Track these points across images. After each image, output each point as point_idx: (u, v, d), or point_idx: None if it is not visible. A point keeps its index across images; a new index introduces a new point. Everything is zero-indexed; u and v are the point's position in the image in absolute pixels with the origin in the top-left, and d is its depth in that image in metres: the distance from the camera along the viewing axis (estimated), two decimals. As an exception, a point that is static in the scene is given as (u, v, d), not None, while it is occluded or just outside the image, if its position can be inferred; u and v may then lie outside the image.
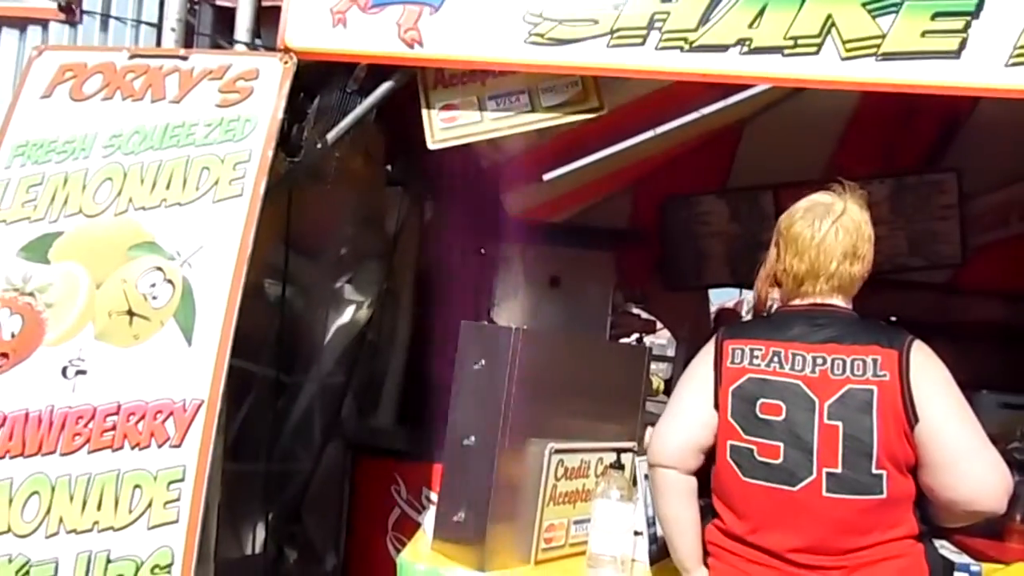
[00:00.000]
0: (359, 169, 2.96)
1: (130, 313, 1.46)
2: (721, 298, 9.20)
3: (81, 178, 1.56)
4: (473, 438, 1.85)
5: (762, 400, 1.56)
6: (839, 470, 1.50)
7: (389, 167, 3.66)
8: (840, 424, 1.51)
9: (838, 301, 1.63)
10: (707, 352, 1.66)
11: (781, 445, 1.54)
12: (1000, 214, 4.51)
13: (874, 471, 1.49)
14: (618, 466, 1.90)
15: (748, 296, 8.35)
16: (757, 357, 1.59)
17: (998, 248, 4.77)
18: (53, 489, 1.41)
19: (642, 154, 5.00)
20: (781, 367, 1.56)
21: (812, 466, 1.51)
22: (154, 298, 1.47)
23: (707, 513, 1.67)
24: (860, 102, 4.68)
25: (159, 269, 1.49)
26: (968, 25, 1.64)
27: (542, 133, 4.12)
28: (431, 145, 1.87)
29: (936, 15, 1.64)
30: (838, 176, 4.81)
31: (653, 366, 6.67)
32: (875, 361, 1.51)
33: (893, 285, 5.31)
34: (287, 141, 1.86)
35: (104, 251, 1.52)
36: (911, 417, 1.48)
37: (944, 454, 1.47)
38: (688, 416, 1.65)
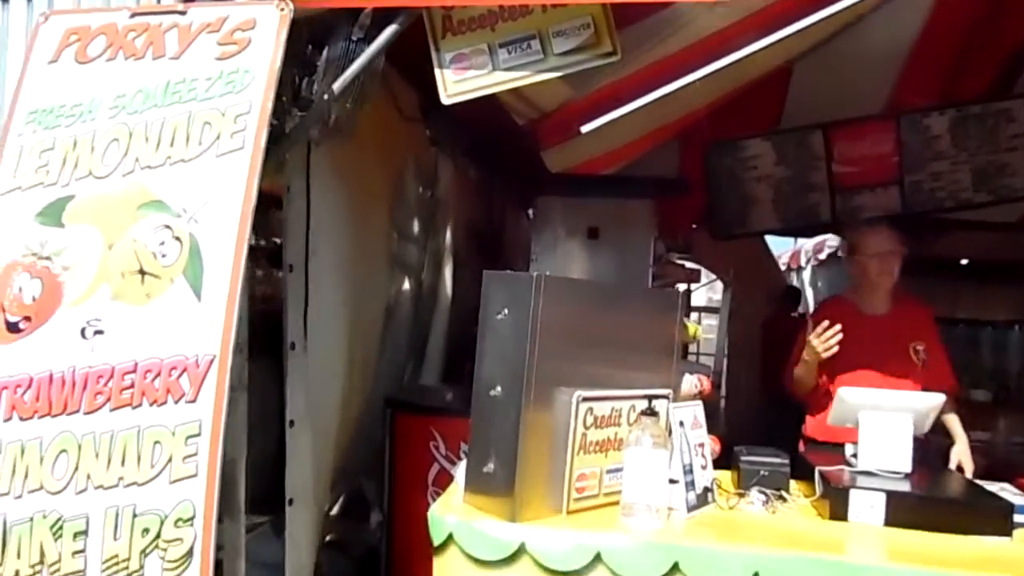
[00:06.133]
0: (405, 131, 2.94)
1: (142, 272, 1.47)
2: (779, 248, 8.96)
3: (89, 140, 1.57)
4: (499, 388, 1.82)
5: None
6: None
7: (431, 132, 3.61)
8: None
9: None
10: None
11: None
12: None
13: None
14: (650, 413, 1.84)
15: (805, 245, 8.12)
16: None
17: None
18: (80, 447, 1.44)
19: (686, 106, 4.84)
20: None
21: None
22: (163, 256, 1.47)
23: None
24: (921, 33, 4.43)
25: (167, 227, 1.49)
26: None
27: (576, 88, 4.05)
28: (445, 100, 1.82)
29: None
30: (896, 111, 4.54)
31: (706, 318, 6.53)
32: None
33: (958, 226, 5.07)
34: (299, 96, 1.84)
35: (115, 212, 1.52)
36: None
37: None
38: None
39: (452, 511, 1.83)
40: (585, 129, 4.61)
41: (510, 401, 1.79)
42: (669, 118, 5.07)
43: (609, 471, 1.92)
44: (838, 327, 2.41)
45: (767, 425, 5.29)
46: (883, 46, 4.40)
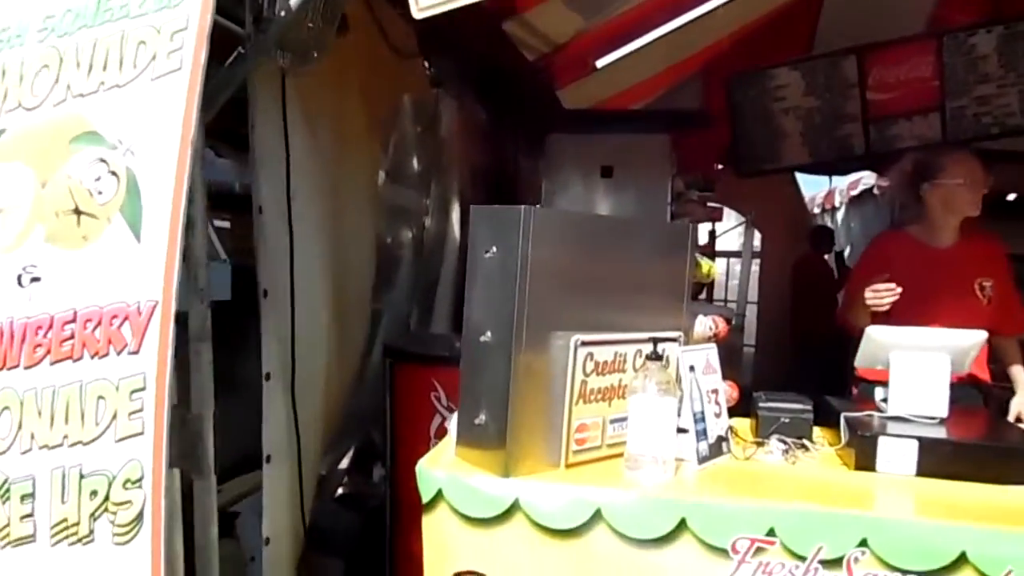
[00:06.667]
0: (398, 68, 2.76)
1: (77, 212, 1.33)
2: (813, 188, 8.60)
3: (18, 68, 1.41)
4: (489, 334, 1.67)
5: None
6: None
7: (433, 71, 3.43)
8: None
9: None
10: None
11: None
12: None
13: None
14: (655, 357, 1.68)
15: (840, 185, 7.80)
16: None
17: None
18: (22, 404, 1.32)
19: (709, 36, 4.55)
20: None
21: None
22: (99, 193, 1.33)
23: None
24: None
25: (102, 161, 1.34)
26: None
27: (588, 16, 3.80)
28: (416, 14, 1.62)
29: None
30: (938, 30, 4.19)
31: (736, 263, 6.29)
32: None
33: (1004, 157, 4.74)
34: (260, 16, 1.68)
35: (46, 147, 1.38)
36: None
37: None
38: None
39: (441, 466, 1.70)
40: (601, 63, 4.38)
41: (501, 347, 1.64)
42: (691, 50, 4.79)
43: (613, 421, 1.77)
44: (897, 290, 2.21)
45: (797, 371, 5.11)
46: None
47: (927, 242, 2.52)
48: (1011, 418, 2.39)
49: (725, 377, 1.96)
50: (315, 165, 2.06)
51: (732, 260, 6.35)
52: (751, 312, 5.80)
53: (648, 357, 1.70)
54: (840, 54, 4.18)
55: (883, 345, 1.91)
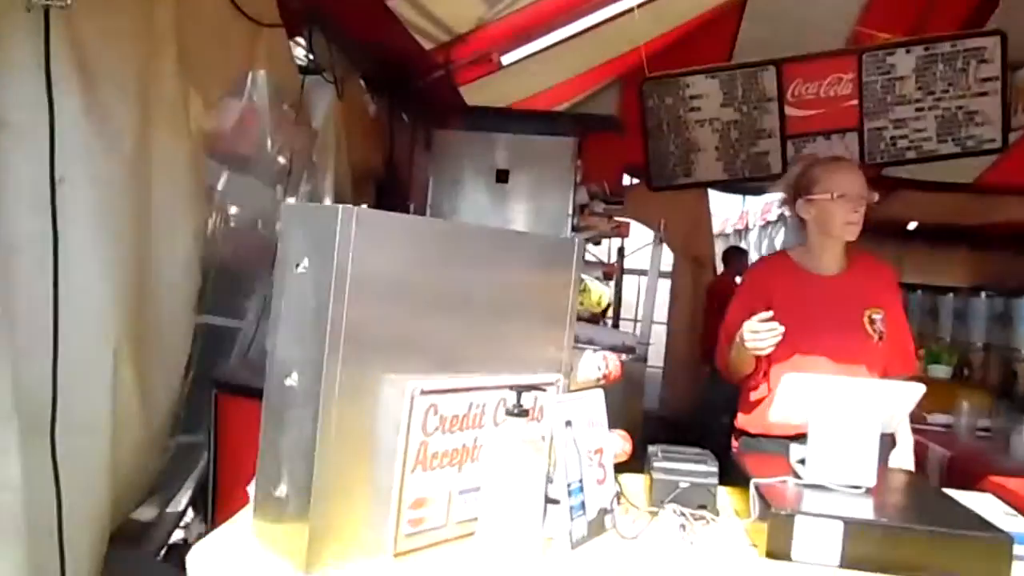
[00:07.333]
0: (247, 35, 2.29)
1: None
2: (725, 209, 8.48)
3: None
4: (295, 375, 1.23)
5: None
6: None
7: (305, 51, 2.99)
8: None
9: None
10: None
11: None
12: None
13: None
14: (517, 412, 1.28)
15: (752, 206, 7.63)
16: None
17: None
18: None
19: (625, 42, 4.27)
20: None
21: None
22: None
23: None
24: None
25: None
26: None
27: (491, 4, 3.43)
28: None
29: None
30: (858, 48, 3.94)
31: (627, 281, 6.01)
32: None
33: (908, 185, 4.64)
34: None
35: None
36: None
37: None
38: None
39: (225, 551, 1.25)
40: (506, 60, 4.01)
41: (308, 394, 1.21)
42: (606, 55, 4.50)
43: (463, 492, 1.36)
44: (780, 329, 1.84)
45: (708, 401, 4.84)
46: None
47: (808, 268, 2.14)
48: None
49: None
50: (100, 139, 1.58)
51: (643, 278, 6.09)
52: (660, 331, 5.55)
53: (509, 412, 1.30)
54: (759, 65, 3.93)
55: (803, 397, 1.57)
